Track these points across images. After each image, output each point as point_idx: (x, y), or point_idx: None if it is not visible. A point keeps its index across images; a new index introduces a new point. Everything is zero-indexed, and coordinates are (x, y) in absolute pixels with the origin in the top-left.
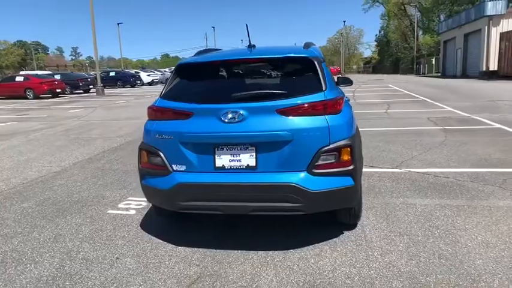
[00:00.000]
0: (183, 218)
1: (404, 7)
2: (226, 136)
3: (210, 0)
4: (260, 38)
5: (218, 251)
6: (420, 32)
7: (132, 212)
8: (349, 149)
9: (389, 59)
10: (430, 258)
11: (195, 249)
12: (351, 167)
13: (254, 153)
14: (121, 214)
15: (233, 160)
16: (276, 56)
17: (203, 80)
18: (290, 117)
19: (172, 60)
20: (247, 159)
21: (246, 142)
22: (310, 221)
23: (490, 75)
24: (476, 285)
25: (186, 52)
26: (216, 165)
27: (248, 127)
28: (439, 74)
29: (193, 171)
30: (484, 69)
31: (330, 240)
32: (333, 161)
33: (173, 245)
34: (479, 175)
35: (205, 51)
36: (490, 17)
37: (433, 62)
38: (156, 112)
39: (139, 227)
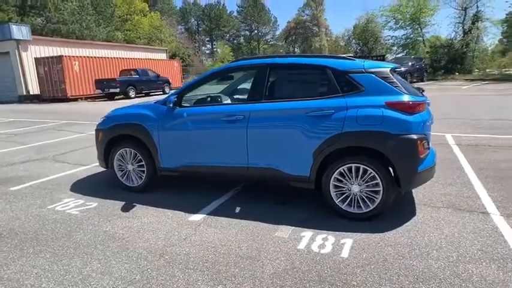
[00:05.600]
0: None
1: None
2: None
3: None
4: None
5: None
6: None
7: None
8: None
9: None
10: None
11: None
12: None
13: None
14: None
15: None
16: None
17: (395, 79)
18: None
19: None
20: None
21: None
22: None
23: (32, 99)
24: None
25: None
26: None
27: None
28: None
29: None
30: (25, 93)
31: None
32: None
33: None
34: None
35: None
36: (18, 41)
37: None
38: (418, 106)
39: None
